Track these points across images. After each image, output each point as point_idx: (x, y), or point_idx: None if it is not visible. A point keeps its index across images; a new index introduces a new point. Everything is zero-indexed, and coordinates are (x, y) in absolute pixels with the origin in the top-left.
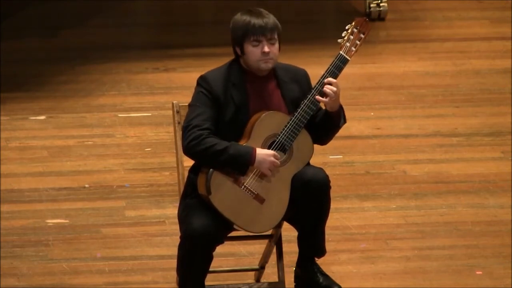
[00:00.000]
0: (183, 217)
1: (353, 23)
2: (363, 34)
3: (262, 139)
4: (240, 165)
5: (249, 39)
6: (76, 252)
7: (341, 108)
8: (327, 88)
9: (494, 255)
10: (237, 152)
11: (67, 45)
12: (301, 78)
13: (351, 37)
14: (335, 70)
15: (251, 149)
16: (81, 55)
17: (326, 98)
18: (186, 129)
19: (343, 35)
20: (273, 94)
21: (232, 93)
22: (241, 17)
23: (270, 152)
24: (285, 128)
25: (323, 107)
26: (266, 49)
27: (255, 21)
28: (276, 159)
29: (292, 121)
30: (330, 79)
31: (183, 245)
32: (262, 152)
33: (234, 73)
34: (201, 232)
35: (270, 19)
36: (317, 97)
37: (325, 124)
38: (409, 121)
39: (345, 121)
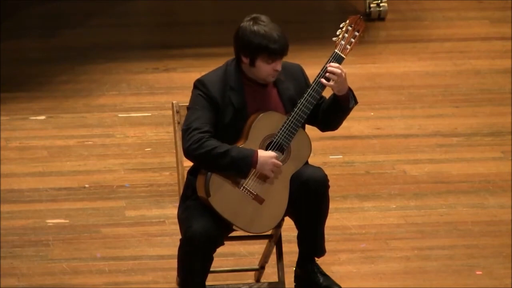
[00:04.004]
0: (183, 219)
1: (347, 21)
2: (358, 32)
3: (260, 140)
4: (242, 168)
5: (264, 57)
6: (76, 252)
7: (350, 90)
8: (331, 68)
9: (494, 255)
10: (239, 155)
11: (67, 45)
12: (297, 73)
13: (346, 35)
14: None
15: (253, 152)
16: (81, 55)
17: (331, 82)
18: (186, 132)
19: (337, 33)
20: (270, 94)
21: (231, 96)
22: (254, 29)
23: (272, 153)
24: (282, 128)
25: (322, 102)
26: (279, 67)
27: (275, 40)
28: (276, 159)
29: (289, 121)
30: (332, 64)
31: (183, 247)
32: (264, 154)
33: (231, 76)
34: (202, 235)
35: (284, 37)
36: (322, 80)
37: (335, 108)
38: (409, 121)
39: (356, 102)
